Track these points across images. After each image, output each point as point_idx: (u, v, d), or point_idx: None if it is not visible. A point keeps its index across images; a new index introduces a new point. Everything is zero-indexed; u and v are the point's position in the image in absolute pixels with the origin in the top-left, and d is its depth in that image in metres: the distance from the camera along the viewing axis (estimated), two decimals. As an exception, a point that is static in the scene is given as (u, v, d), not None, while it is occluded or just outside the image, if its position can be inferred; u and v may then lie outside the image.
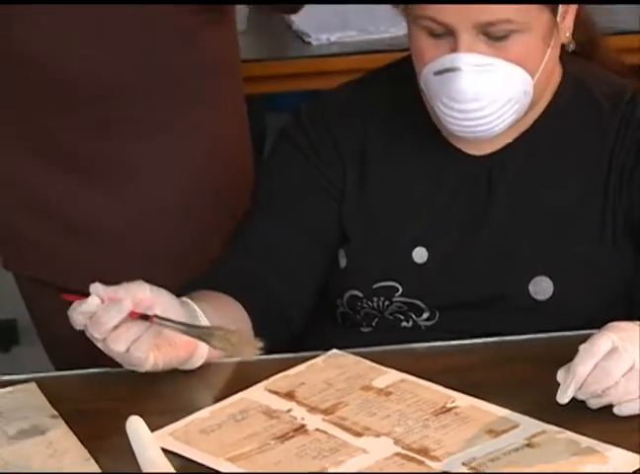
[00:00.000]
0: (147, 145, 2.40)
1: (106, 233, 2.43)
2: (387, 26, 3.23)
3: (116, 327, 1.73)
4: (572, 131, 2.08)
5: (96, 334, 1.73)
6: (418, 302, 2.05)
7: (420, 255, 2.05)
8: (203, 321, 1.85)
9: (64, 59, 2.33)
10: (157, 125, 2.41)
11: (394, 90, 2.12)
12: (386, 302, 2.05)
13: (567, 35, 2.03)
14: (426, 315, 2.06)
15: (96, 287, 1.76)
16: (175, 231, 2.43)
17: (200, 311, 1.86)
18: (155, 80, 2.38)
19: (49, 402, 1.81)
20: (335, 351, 1.93)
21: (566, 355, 1.69)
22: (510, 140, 2.05)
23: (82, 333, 1.79)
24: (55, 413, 1.79)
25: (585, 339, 1.70)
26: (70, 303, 1.80)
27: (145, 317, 1.76)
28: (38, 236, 2.47)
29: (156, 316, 1.76)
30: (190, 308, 1.86)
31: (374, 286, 2.06)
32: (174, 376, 1.85)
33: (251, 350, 1.77)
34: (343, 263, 2.11)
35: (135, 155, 2.40)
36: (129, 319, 1.74)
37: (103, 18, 2.32)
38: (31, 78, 2.37)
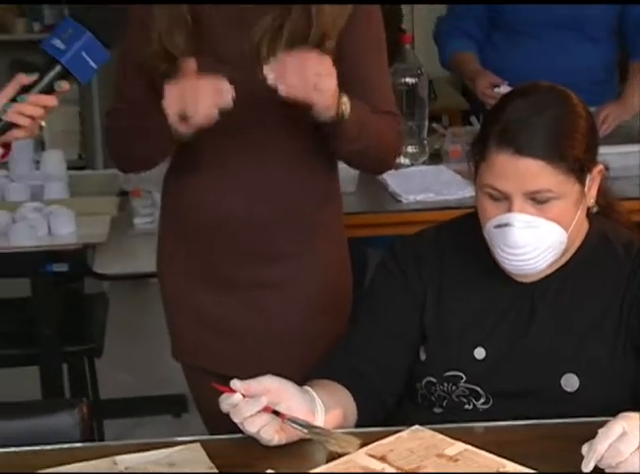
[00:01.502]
0: (281, 270, 2.35)
1: (245, 334, 2.39)
2: (456, 190, 3.22)
3: (252, 415, 1.75)
4: (595, 269, 2.04)
5: (236, 419, 1.76)
6: (477, 389, 2.00)
7: (480, 353, 2.01)
8: (319, 404, 1.85)
9: (230, 211, 2.30)
10: (289, 253, 2.36)
11: (464, 235, 2.09)
12: (453, 387, 2.01)
13: (592, 201, 2.01)
14: (483, 400, 2.00)
15: (235, 383, 1.77)
16: (295, 335, 2.39)
17: (317, 398, 1.86)
18: (296, 218, 2.35)
19: (209, 457, 1.78)
20: (417, 426, 1.88)
21: (588, 436, 1.65)
22: (549, 273, 2.01)
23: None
24: (212, 465, 1.76)
25: (603, 424, 1.66)
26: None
27: (276, 413, 1.77)
28: (195, 335, 2.44)
29: (286, 416, 1.77)
30: (310, 395, 1.86)
31: (445, 375, 2.02)
32: (298, 442, 1.82)
33: (354, 448, 1.77)
34: (423, 356, 2.07)
35: (272, 278, 2.35)
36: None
37: (262, 174, 2.27)
38: (200, 222, 2.34)
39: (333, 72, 2.10)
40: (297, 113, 2.20)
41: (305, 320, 2.37)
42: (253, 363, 2.25)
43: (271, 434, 1.76)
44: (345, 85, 2.26)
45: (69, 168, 3.73)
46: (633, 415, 1.67)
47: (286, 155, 2.28)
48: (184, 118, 2.12)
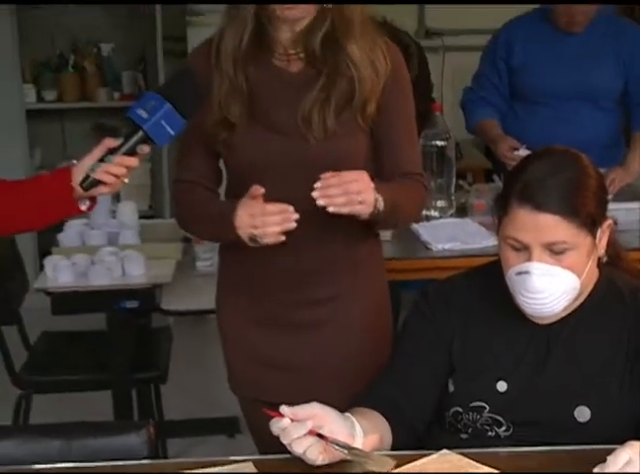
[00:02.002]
0: (329, 310, 2.32)
1: (297, 369, 2.36)
2: (480, 240, 3.21)
3: (299, 437, 1.75)
4: (605, 313, 2.02)
5: (285, 441, 1.76)
6: (499, 418, 1.98)
7: (502, 386, 1.99)
8: (358, 429, 1.85)
9: (282, 263, 2.28)
10: (337, 295, 2.33)
11: (488, 281, 2.08)
12: (478, 416, 1.99)
13: (602, 251, 2.00)
14: (504, 428, 1.98)
15: (284, 409, 1.78)
16: (341, 369, 2.35)
17: (357, 423, 1.86)
18: (343, 265, 2.33)
19: (259, 475, 1.77)
20: (445, 450, 1.87)
21: (598, 462, 1.67)
22: (563, 316, 1.99)
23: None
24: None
25: (611, 451, 1.66)
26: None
27: (320, 435, 1.77)
28: (250, 371, 2.41)
29: (328, 439, 1.77)
30: (350, 420, 1.85)
31: (471, 405, 2.00)
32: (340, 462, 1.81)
33: (389, 468, 1.78)
34: (451, 388, 2.05)
35: (321, 317, 2.32)
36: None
37: (310, 229, 2.20)
38: (254, 271, 2.31)
39: (371, 186, 2.10)
40: (341, 170, 2.18)
41: (351, 356, 2.35)
42: (303, 395, 2.20)
43: (315, 454, 1.76)
44: (378, 146, 2.29)
45: (141, 217, 3.75)
46: (636, 443, 1.67)
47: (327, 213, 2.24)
48: (252, 238, 2.12)
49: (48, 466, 1.89)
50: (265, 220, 2.08)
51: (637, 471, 1.64)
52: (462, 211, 3.55)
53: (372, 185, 2.11)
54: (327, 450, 1.77)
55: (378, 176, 2.27)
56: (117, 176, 2.07)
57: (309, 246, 2.26)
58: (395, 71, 2.27)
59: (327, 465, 1.79)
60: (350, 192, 2.06)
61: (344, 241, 2.31)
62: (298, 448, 1.76)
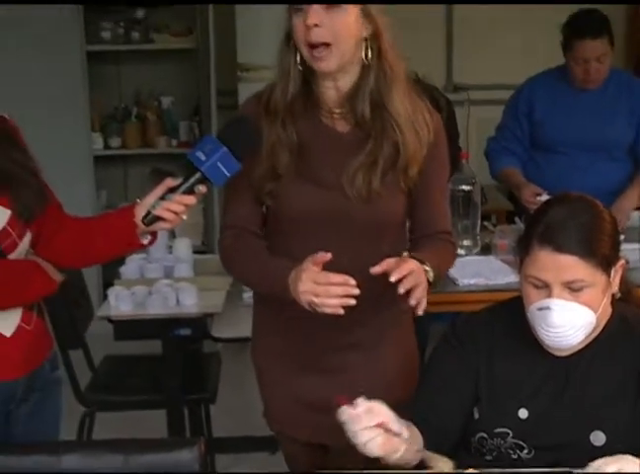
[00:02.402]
0: (361, 355, 2.25)
1: (330, 408, 2.26)
2: (503, 276, 3.20)
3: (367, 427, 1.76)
4: (618, 345, 1.99)
5: (352, 428, 1.78)
6: (521, 443, 1.95)
7: (523, 413, 1.96)
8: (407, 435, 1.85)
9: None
10: (371, 340, 2.26)
11: (511, 316, 2.05)
12: (502, 441, 1.96)
13: (615, 288, 1.98)
14: (526, 451, 1.95)
15: (357, 401, 1.81)
16: None
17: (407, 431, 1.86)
18: (376, 314, 2.24)
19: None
20: (471, 469, 1.87)
21: None
22: (580, 348, 1.97)
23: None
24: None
25: None
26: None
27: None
28: (285, 408, 2.33)
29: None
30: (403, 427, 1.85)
31: (495, 431, 1.97)
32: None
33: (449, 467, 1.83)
34: (476, 415, 2.02)
35: (354, 361, 2.23)
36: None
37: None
38: (289, 316, 2.20)
39: (422, 272, 2.02)
40: (380, 228, 2.17)
41: (381, 397, 2.28)
42: (337, 434, 2.18)
43: (376, 446, 1.76)
44: (415, 206, 2.23)
45: (194, 252, 3.76)
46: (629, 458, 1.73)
47: (370, 261, 2.15)
48: (311, 304, 2.00)
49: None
50: (328, 290, 1.96)
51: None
52: (487, 250, 3.54)
53: (422, 268, 2.03)
54: (386, 445, 1.76)
55: (413, 231, 2.25)
56: (176, 213, 2.07)
57: None
58: (436, 138, 2.21)
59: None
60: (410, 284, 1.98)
61: (379, 288, 2.17)
62: (363, 437, 1.75)
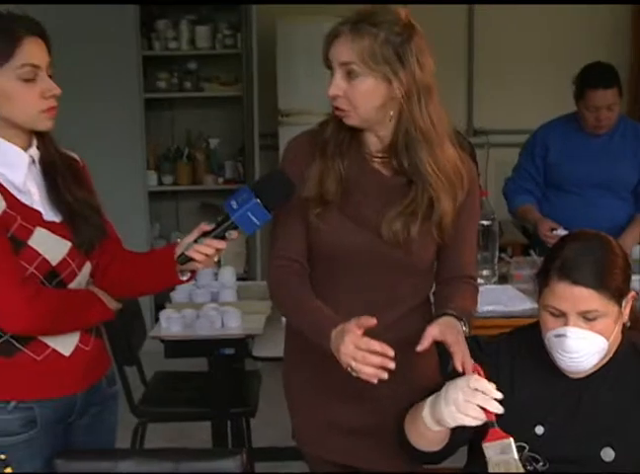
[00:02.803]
0: (392, 382, 2.01)
1: (359, 432, 2.19)
2: (519, 304, 3.19)
3: None
4: (627, 369, 1.97)
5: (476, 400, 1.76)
6: (537, 456, 1.93)
7: (539, 429, 1.94)
8: None
9: None
10: (399, 370, 2.00)
11: (529, 340, 2.03)
12: (519, 454, 1.89)
13: (626, 318, 1.96)
14: (541, 464, 1.93)
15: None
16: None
17: None
18: (404, 346, 2.07)
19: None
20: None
21: None
22: (593, 372, 1.95)
23: None
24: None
25: None
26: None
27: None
28: (315, 433, 2.25)
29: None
30: None
31: None
32: None
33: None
34: None
35: (384, 388, 2.03)
36: None
37: (375, 313, 1.98)
38: (318, 348, 2.08)
39: (461, 333, 1.98)
40: (412, 269, 2.13)
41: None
42: (364, 456, 2.15)
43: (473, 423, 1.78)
44: (445, 250, 2.17)
45: (238, 279, 3.76)
46: None
47: (402, 294, 2.14)
48: (350, 367, 1.91)
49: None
50: (366, 357, 1.85)
51: None
52: (504, 279, 3.52)
53: (460, 327, 1.99)
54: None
55: (440, 273, 2.20)
56: (206, 255, 2.06)
57: (376, 330, 2.01)
58: (470, 186, 2.14)
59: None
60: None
61: (405, 320, 2.16)
62: (474, 412, 1.75)
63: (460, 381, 1.78)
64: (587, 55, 4.19)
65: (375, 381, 1.88)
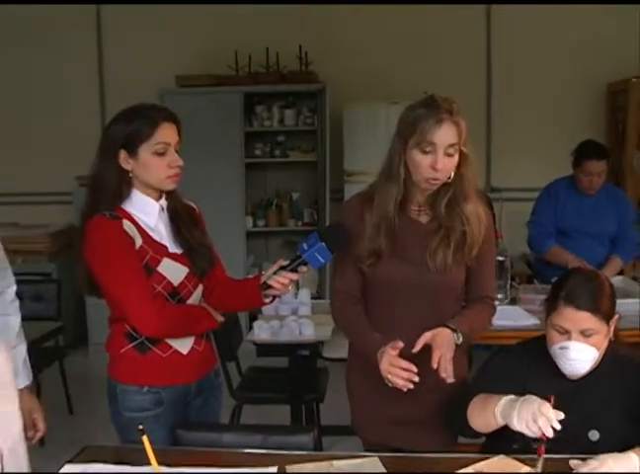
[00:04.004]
0: (435, 378, 1.99)
1: (414, 422, 2.13)
2: (525, 320, 3.12)
3: None
4: (612, 370, 1.93)
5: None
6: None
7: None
8: None
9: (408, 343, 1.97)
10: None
11: (538, 350, 1.97)
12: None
13: (611, 334, 1.92)
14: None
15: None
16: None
17: None
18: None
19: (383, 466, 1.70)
20: (502, 455, 1.81)
21: None
22: (585, 374, 1.92)
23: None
24: (385, 471, 1.69)
25: None
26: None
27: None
28: (373, 423, 2.19)
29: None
30: None
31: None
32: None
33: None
34: None
35: (429, 384, 1.99)
36: None
37: (417, 332, 1.98)
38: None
39: (452, 343, 1.94)
40: (450, 290, 2.08)
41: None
42: (418, 441, 2.09)
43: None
44: (470, 274, 2.12)
45: (312, 298, 3.76)
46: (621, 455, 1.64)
47: (443, 311, 2.08)
48: (387, 379, 1.92)
49: (254, 451, 1.90)
50: (397, 372, 1.89)
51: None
52: (513, 301, 3.45)
53: (452, 340, 1.94)
54: None
55: (467, 293, 2.14)
56: (283, 284, 2.05)
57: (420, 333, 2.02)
58: (488, 227, 2.12)
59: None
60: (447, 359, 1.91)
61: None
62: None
63: (534, 403, 1.71)
64: (572, 130, 4.15)
65: (405, 390, 1.89)
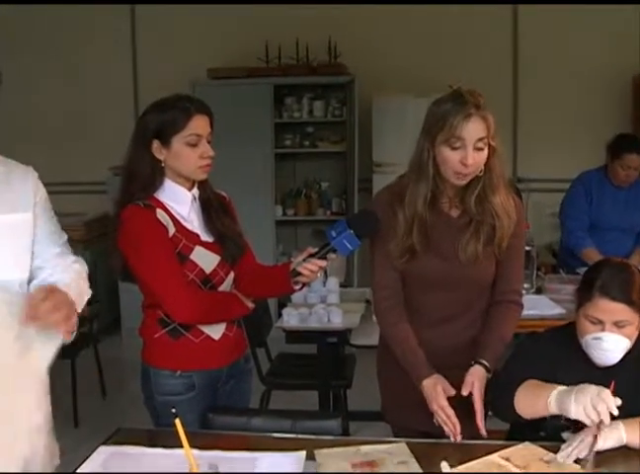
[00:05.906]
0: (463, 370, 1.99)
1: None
2: (550, 309, 3.09)
3: None
4: (638, 358, 1.89)
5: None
6: (569, 424, 1.80)
7: None
8: None
9: (442, 335, 2.05)
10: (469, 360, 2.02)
11: (567, 338, 1.94)
12: (557, 422, 1.81)
13: None
14: (571, 430, 1.81)
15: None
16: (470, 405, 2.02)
17: None
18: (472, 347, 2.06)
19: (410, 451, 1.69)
20: (527, 442, 1.79)
21: None
22: (615, 363, 1.87)
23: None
24: (412, 456, 1.69)
25: None
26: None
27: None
28: (401, 408, 2.17)
29: None
30: None
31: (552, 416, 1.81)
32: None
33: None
34: None
35: (458, 374, 1.99)
36: None
37: (451, 325, 2.03)
38: (420, 340, 2.05)
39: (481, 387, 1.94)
40: (481, 283, 2.06)
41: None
42: (432, 422, 2.03)
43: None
44: (499, 267, 2.08)
45: (340, 286, 3.73)
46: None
47: (470, 304, 2.07)
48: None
49: (283, 435, 1.90)
50: (445, 421, 1.90)
51: None
52: (539, 291, 3.43)
53: (483, 379, 1.94)
54: None
55: (495, 285, 2.09)
56: (311, 271, 2.04)
57: (457, 329, 2.07)
58: (518, 217, 2.07)
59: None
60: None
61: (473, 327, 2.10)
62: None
63: (592, 389, 1.68)
64: (598, 122, 4.03)
65: (453, 438, 1.90)
